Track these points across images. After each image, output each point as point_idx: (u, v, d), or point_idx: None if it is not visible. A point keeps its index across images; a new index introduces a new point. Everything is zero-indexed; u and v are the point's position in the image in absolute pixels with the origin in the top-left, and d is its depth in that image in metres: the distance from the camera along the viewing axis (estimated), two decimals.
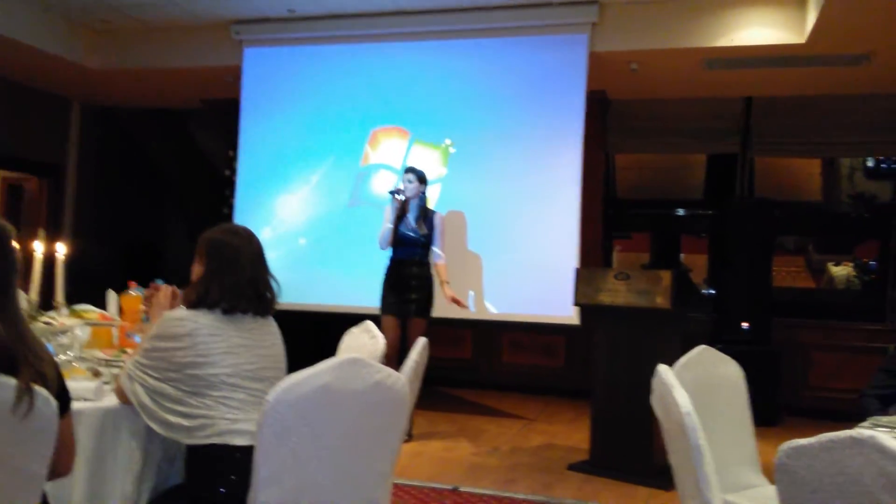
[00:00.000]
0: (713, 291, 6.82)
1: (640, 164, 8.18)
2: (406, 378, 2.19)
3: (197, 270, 2.23)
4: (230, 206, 6.84)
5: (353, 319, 3.45)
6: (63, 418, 1.63)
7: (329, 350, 3.16)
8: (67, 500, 1.92)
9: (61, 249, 2.92)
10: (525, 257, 5.83)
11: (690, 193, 7.89)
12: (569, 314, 5.37)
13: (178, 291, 2.28)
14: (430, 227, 5.05)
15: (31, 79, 7.30)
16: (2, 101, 7.24)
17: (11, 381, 1.52)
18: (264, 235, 6.08)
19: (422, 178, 5.10)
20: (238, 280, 2.17)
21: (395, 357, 4.42)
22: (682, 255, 8.10)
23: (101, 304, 3.41)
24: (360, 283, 5.62)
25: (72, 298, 3.01)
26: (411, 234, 5.01)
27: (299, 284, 5.56)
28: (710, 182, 7.73)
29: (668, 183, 8.18)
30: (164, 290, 2.36)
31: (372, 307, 5.04)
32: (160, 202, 8.90)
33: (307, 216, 6.36)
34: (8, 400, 1.51)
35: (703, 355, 2.55)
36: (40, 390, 1.56)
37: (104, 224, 8.32)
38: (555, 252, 5.74)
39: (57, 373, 1.72)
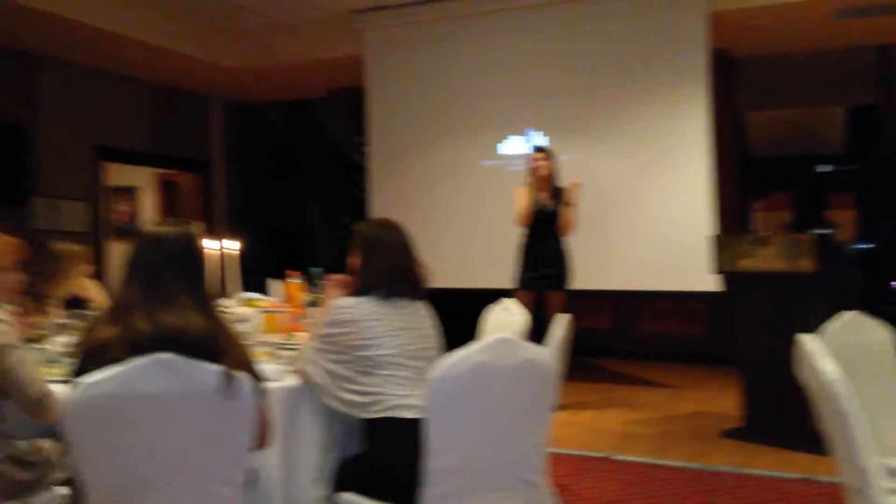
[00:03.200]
0: (865, 246, 6.52)
1: (772, 120, 7.87)
2: (552, 354, 2.33)
3: (354, 261, 2.45)
4: (363, 190, 7.16)
5: (490, 297, 3.61)
6: (260, 398, 1.88)
7: (468, 327, 3.35)
8: (267, 468, 2.20)
9: (235, 245, 3.23)
10: (655, 225, 5.81)
11: (829, 148, 7.53)
12: (706, 282, 5.32)
13: (346, 280, 2.50)
14: (561, 201, 5.12)
15: (174, 81, 7.88)
16: (152, 103, 7.86)
17: (217, 368, 1.78)
18: (396, 218, 6.36)
19: (550, 154, 5.18)
20: (390, 268, 2.38)
21: (534, 332, 4.56)
22: (827, 212, 7.75)
23: (260, 292, 3.74)
24: (494, 261, 5.78)
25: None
26: (544, 209, 5.10)
27: (434, 265, 5.77)
28: (852, 135, 7.33)
29: (804, 139, 7.83)
30: (335, 279, 2.59)
31: (505, 285, 5.18)
32: (299, 190, 9.40)
33: (439, 197, 6.57)
34: (215, 384, 1.76)
35: (849, 320, 2.52)
36: (240, 374, 1.81)
37: (251, 214, 8.89)
38: (687, 218, 5.69)
39: (250, 358, 1.98)
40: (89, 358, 1.81)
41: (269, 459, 2.20)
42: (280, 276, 4.03)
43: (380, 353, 2.24)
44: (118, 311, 1.85)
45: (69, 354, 2.23)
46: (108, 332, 1.80)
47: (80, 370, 1.79)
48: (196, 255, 1.96)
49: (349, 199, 7.89)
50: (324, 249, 8.70)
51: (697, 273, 5.28)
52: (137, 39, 6.33)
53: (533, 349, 2.13)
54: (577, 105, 6.12)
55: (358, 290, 2.36)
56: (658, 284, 5.87)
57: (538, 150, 5.25)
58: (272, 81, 7.95)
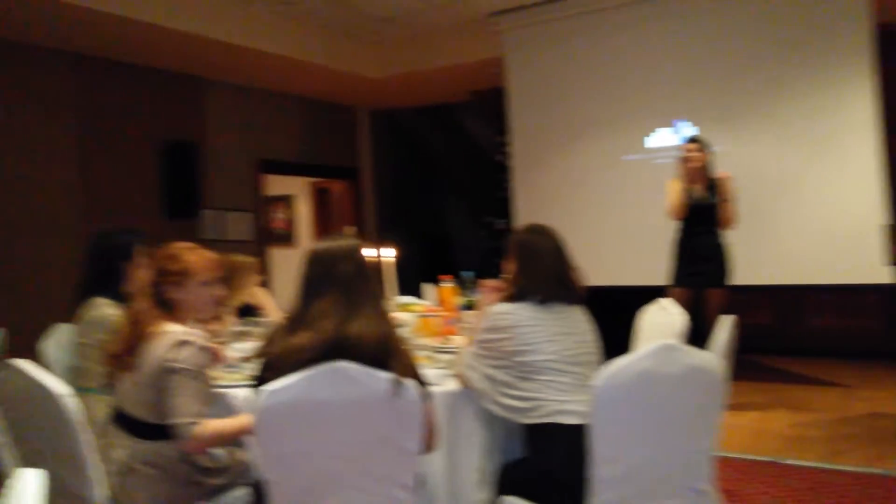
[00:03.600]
0: None
1: None
2: (718, 359, 2.24)
3: (509, 267, 2.47)
4: (506, 191, 7.20)
5: (643, 294, 3.53)
6: (426, 403, 1.94)
7: (621, 327, 3.29)
8: (432, 471, 2.27)
9: (391, 252, 3.35)
10: (820, 215, 5.46)
11: None
12: (880, 273, 4.94)
13: (501, 286, 2.53)
14: (717, 193, 4.91)
15: (325, 95, 8.25)
16: (305, 116, 8.28)
17: (387, 375, 1.85)
18: (541, 217, 6.34)
19: (705, 145, 4.98)
20: (545, 273, 2.38)
21: (691, 331, 4.40)
22: None
23: (409, 295, 3.85)
24: (646, 258, 5.65)
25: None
26: (699, 202, 4.91)
27: (583, 263, 5.71)
28: None
29: None
30: (490, 285, 2.63)
31: (659, 282, 5.04)
32: (444, 193, 9.58)
33: (585, 194, 6.49)
34: (386, 390, 1.84)
35: None
36: (407, 380, 1.88)
37: (398, 218, 9.17)
38: (855, 206, 5.31)
39: (416, 363, 2.05)
40: (272, 365, 1.95)
41: (434, 463, 2.27)
42: (430, 279, 4.14)
43: (538, 358, 2.25)
44: (299, 320, 1.96)
45: (249, 360, 2.39)
46: (291, 340, 1.92)
47: (264, 377, 1.93)
48: (368, 264, 2.07)
49: (493, 200, 7.94)
50: (469, 251, 8.82)
51: (870, 265, 4.92)
52: (292, 58, 6.70)
53: (699, 355, 2.07)
54: (729, 91, 5.85)
55: (514, 296, 2.38)
56: (826, 278, 5.50)
57: (691, 140, 5.04)
58: (415, 88, 8.16)
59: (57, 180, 5.95)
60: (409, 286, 4.01)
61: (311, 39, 6.91)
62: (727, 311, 2.88)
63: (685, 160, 4.95)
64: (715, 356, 2.23)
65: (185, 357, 2.10)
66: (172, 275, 2.24)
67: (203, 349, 2.15)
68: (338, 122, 8.80)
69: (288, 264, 8.64)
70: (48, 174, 5.90)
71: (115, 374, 2.20)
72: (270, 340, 2.04)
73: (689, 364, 2.03)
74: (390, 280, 3.35)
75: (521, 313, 2.32)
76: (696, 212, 4.88)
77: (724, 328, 2.52)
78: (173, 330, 2.16)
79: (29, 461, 2.20)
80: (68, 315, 3.00)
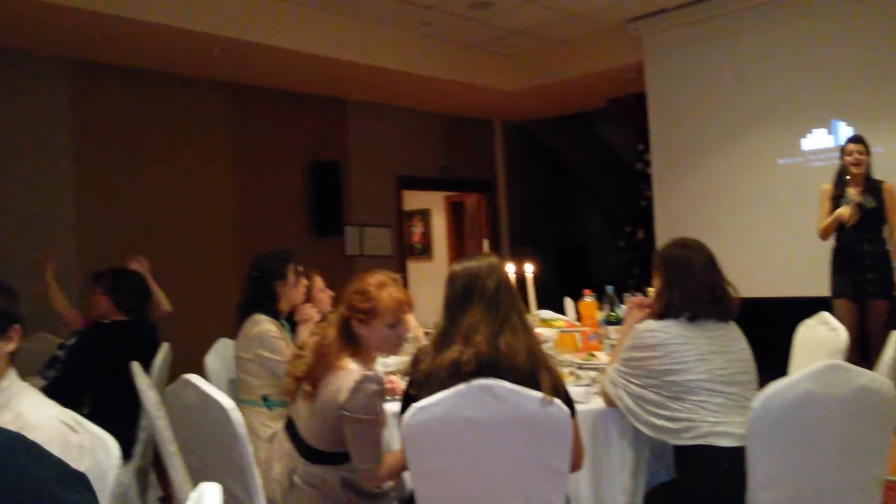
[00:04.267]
0: None
1: None
2: (887, 378, 2.08)
3: (657, 283, 2.40)
4: (647, 200, 7.00)
5: (798, 306, 3.33)
6: (573, 421, 1.92)
7: (776, 341, 3.11)
8: (577, 491, 2.25)
9: (529, 267, 3.35)
10: None
11: None
12: None
13: (648, 302, 2.46)
14: (879, 199, 4.55)
15: (459, 108, 8.38)
16: (441, 131, 8.44)
17: (536, 394, 1.85)
18: (684, 225, 6.13)
19: (867, 147, 4.61)
20: (694, 288, 2.28)
21: (854, 344, 4.10)
22: None
23: (546, 308, 3.81)
24: (801, 267, 5.33)
25: None
26: (861, 207, 4.54)
27: (731, 274, 5.46)
28: None
29: None
30: (636, 301, 2.57)
31: (818, 293, 4.73)
32: (580, 203, 9.47)
33: (733, 199, 6.21)
34: (535, 409, 1.84)
35: None
36: (555, 399, 1.87)
37: (535, 230, 9.15)
38: None
39: (562, 380, 2.03)
40: (421, 382, 1.99)
41: (579, 483, 2.24)
42: (566, 292, 4.09)
43: (690, 378, 2.17)
44: (447, 336, 2.00)
45: (402, 374, 2.44)
46: (441, 356, 1.96)
47: (414, 395, 1.97)
48: (510, 280, 2.08)
49: (632, 209, 7.77)
50: (605, 262, 8.67)
51: None
52: (429, 76, 6.86)
53: (867, 375, 1.93)
54: (884, 91, 5.41)
55: (662, 313, 2.31)
56: None
57: (853, 141, 4.66)
58: (550, 98, 8.12)
59: (214, 204, 6.39)
60: (545, 299, 3.98)
61: (448, 56, 7.04)
62: (890, 323, 2.67)
63: (848, 163, 4.59)
64: (884, 376, 2.07)
65: (361, 405, 2.08)
66: (360, 312, 2.23)
67: (378, 393, 2.13)
68: (473, 136, 8.91)
69: (426, 278, 8.85)
70: (207, 197, 6.34)
71: (293, 395, 2.28)
72: (419, 358, 2.08)
73: (858, 385, 1.90)
74: (530, 295, 3.34)
75: (669, 331, 2.24)
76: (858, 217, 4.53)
77: (893, 345, 2.34)
78: (352, 370, 2.16)
79: (196, 470, 2.36)
80: (226, 330, 3.21)
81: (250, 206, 6.60)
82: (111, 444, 1.67)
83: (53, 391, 2.65)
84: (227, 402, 2.12)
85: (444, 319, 2.04)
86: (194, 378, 2.23)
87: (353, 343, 2.24)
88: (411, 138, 8.09)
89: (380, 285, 2.26)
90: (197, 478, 2.32)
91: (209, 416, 2.17)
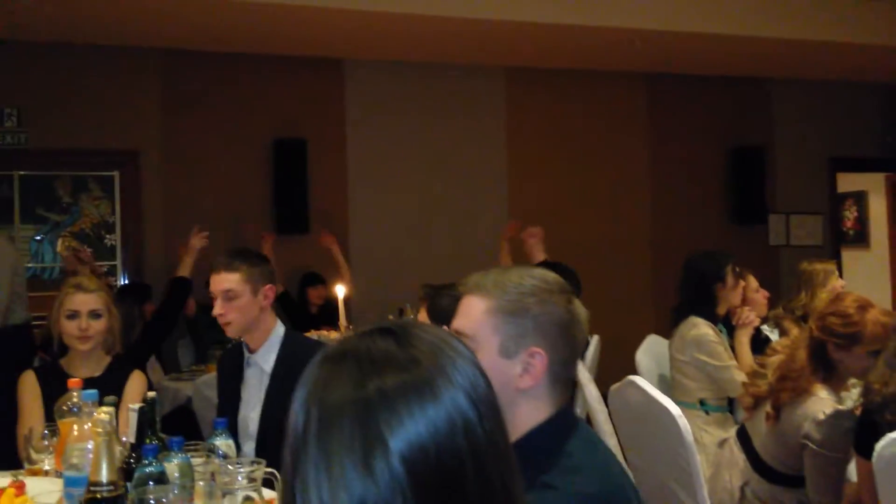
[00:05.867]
0: None
1: None
2: None
3: None
4: None
5: None
6: None
7: None
8: None
9: None
10: None
11: None
12: None
13: None
14: None
15: None
16: (882, 105, 7.34)
17: None
18: None
19: None
20: None
21: None
22: None
23: None
24: None
25: None
26: None
27: None
28: None
29: None
30: None
31: None
32: None
33: None
34: None
35: None
36: None
37: None
38: None
39: None
40: (881, 406, 1.78)
41: None
42: None
43: None
44: None
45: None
46: None
47: (876, 421, 1.77)
48: None
49: None
50: None
51: None
52: (865, 44, 6.02)
53: None
54: None
55: None
56: None
57: None
58: None
59: (629, 192, 6.49)
60: None
61: (888, 21, 6.10)
62: None
63: None
64: None
65: (828, 440, 1.96)
66: (839, 336, 2.07)
67: (851, 430, 1.96)
68: None
69: (860, 268, 7.84)
70: (622, 187, 6.47)
71: (751, 410, 2.22)
72: (881, 372, 1.85)
73: None
74: None
75: None
76: None
77: None
78: (823, 399, 2.04)
79: (638, 469, 2.43)
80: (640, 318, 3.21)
81: (666, 195, 6.55)
82: None
83: None
84: (673, 408, 2.14)
85: None
86: (639, 380, 2.30)
87: (826, 368, 2.08)
88: (846, 115, 7.20)
89: (861, 308, 2.06)
90: (639, 477, 2.38)
91: (654, 419, 2.22)
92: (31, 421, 2.12)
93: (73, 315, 2.27)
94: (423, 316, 2.68)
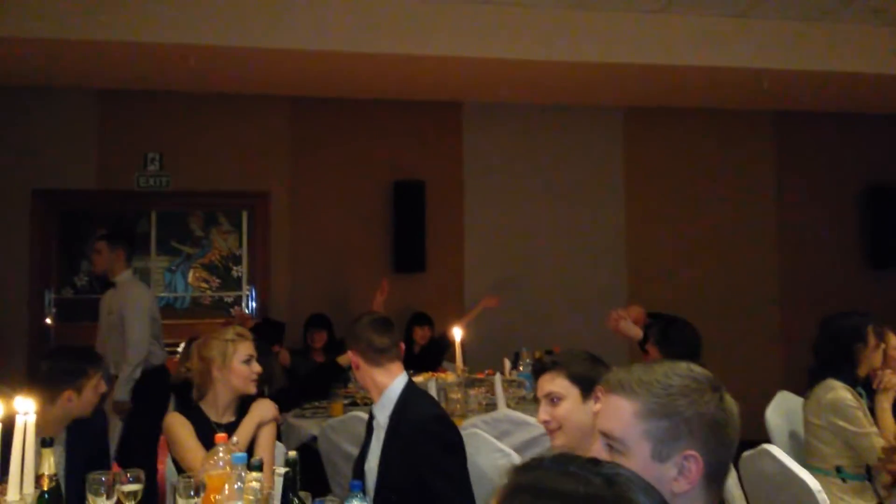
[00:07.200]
0: None
1: None
2: None
3: None
4: None
5: None
6: None
7: None
8: None
9: None
10: None
11: None
12: None
13: None
14: None
15: None
16: None
17: None
18: None
19: None
20: None
21: None
22: None
23: None
24: None
25: None
26: None
27: None
28: None
29: None
30: None
31: None
32: None
33: None
34: None
35: None
36: None
37: None
38: None
39: None
40: None
41: None
42: None
43: None
44: None
45: None
46: None
47: None
48: None
49: None
50: None
51: None
52: None
53: None
54: None
55: None
56: None
57: None
58: None
59: (756, 229, 6.24)
60: None
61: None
62: None
63: None
64: None
65: None
66: None
67: None
68: None
69: None
70: (749, 225, 6.23)
71: (892, 487, 2.10)
72: None
73: None
74: None
75: None
76: None
77: None
78: None
79: None
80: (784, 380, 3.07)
81: (794, 234, 6.26)
82: None
83: None
84: (812, 482, 2.04)
85: None
86: (775, 450, 2.21)
87: None
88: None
89: None
90: None
91: (791, 491, 2.12)
92: (198, 454, 2.23)
93: (249, 360, 2.45)
94: (652, 352, 2.87)
